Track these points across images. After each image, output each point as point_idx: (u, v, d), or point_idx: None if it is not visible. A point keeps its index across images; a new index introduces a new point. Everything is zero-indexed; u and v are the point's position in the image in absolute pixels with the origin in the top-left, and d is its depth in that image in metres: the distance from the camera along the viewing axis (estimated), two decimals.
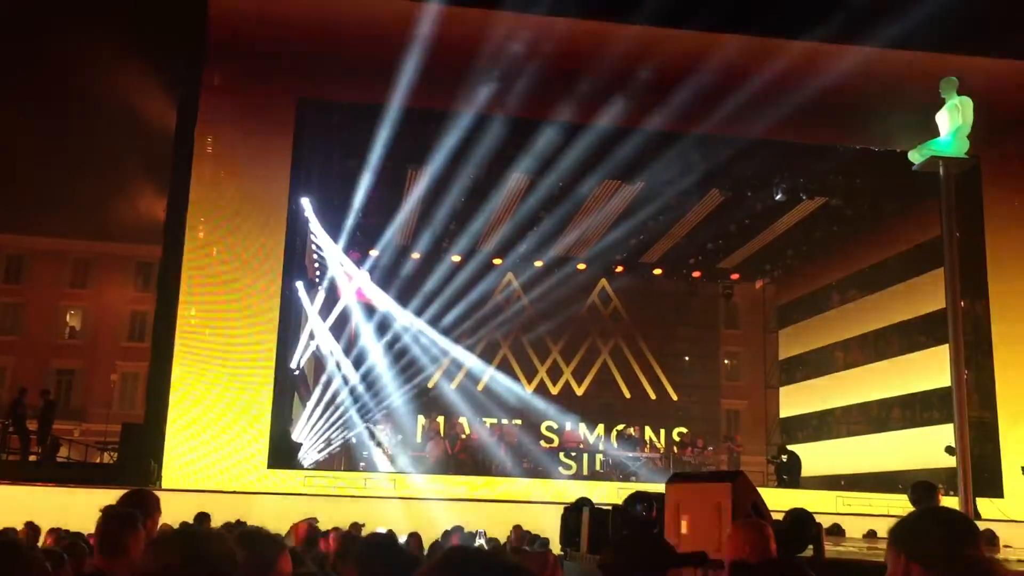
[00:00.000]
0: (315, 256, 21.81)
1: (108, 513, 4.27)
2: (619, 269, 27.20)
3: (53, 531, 9.49)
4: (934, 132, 12.16)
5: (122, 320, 41.13)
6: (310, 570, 5.26)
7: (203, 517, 11.20)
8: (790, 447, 22.64)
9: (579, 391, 27.51)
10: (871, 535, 12.42)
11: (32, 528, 9.97)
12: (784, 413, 27.69)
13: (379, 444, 21.84)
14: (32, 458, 19.45)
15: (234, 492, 16.12)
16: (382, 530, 11.21)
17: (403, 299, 22.82)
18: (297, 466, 18.42)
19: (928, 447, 20.06)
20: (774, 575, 3.24)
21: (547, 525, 11.46)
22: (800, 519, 5.45)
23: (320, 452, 20.39)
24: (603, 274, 27.70)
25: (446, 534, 13.03)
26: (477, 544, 12.37)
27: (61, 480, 16.69)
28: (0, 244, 40.43)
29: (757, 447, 28.11)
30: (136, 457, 16.98)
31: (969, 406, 14.65)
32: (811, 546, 5.45)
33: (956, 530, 2.38)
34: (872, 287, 23.26)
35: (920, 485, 7.06)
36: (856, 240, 23.23)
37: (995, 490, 18.16)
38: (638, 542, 3.58)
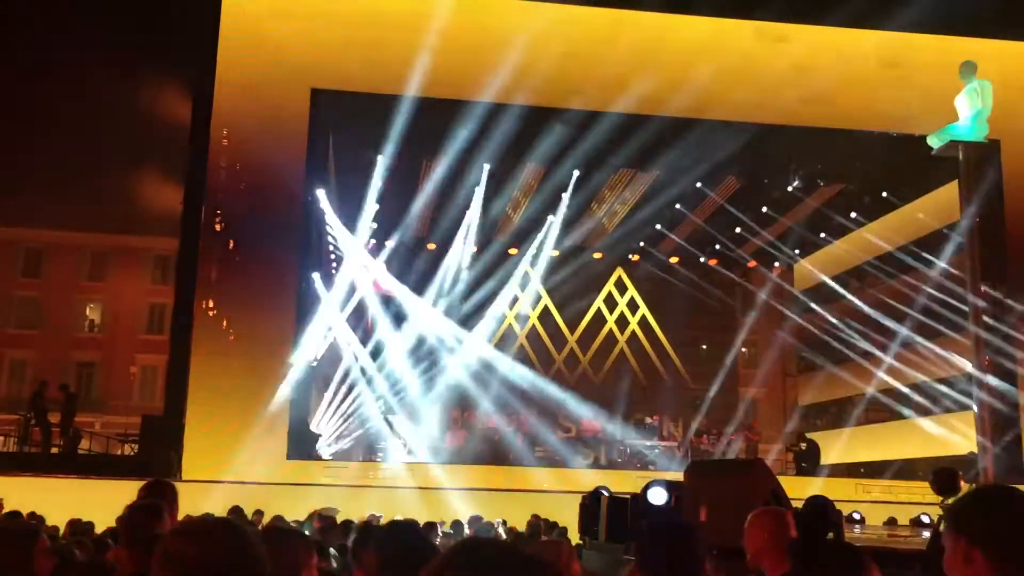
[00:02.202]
0: (331, 247, 21.85)
1: (133, 504, 4.31)
2: (635, 258, 27.14)
3: (72, 523, 9.57)
4: (953, 116, 12.03)
5: (140, 313, 41.41)
6: (330, 564, 5.29)
7: (236, 510, 11.25)
8: (809, 435, 22.56)
9: (596, 380, 27.48)
10: (891, 523, 12.39)
11: (34, 518, 10.06)
12: (803, 401, 27.59)
13: (397, 435, 21.89)
14: (54, 450, 19.63)
15: (254, 483, 16.19)
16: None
17: (420, 289, 22.83)
18: (316, 457, 18.49)
19: (949, 434, 19.96)
20: (831, 556, 3.19)
21: (565, 514, 11.46)
22: (820, 507, 5.42)
23: (338, 443, 20.47)
24: (619, 263, 27.64)
25: (457, 524, 13.06)
26: (496, 534, 12.39)
27: (83, 472, 16.84)
28: (19, 238, 40.74)
29: (776, 435, 28.01)
30: (157, 449, 17.09)
31: (990, 391, 14.56)
32: (831, 534, 5.43)
33: (1020, 511, 2.18)
34: (891, 273, 23.09)
35: (942, 472, 7.01)
36: (874, 226, 23.05)
37: (1017, 477, 18.03)
38: (673, 532, 3.57)
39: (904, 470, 20.87)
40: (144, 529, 4.06)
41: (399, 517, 11.83)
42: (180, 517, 4.86)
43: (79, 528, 9.14)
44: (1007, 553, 2.11)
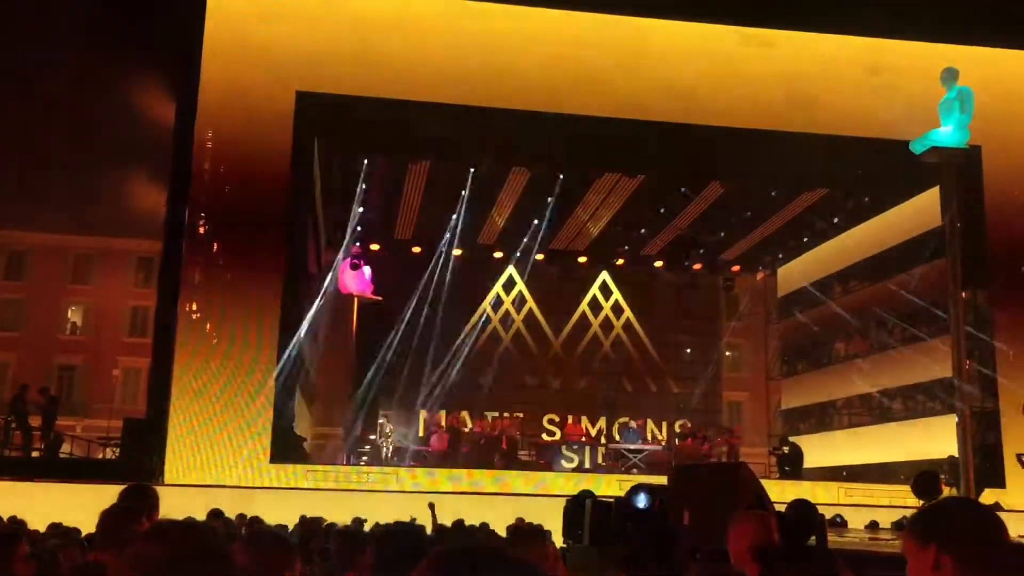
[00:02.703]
0: (316, 250, 21.81)
1: (109, 508, 4.28)
2: (620, 262, 27.20)
3: (52, 526, 9.48)
4: (936, 122, 12.13)
5: (123, 315, 41.15)
6: (314, 568, 5.27)
7: (216, 513, 11.19)
8: (792, 438, 22.64)
9: (581, 384, 27.50)
10: (873, 526, 12.44)
11: (15, 522, 9.98)
12: (786, 404, 27.69)
13: (381, 438, 21.85)
14: (35, 454, 19.48)
15: (237, 487, 16.13)
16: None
17: (405, 293, 22.80)
18: (300, 460, 18.42)
19: (929, 438, 20.08)
20: (798, 560, 3.24)
21: (549, 518, 11.46)
22: (803, 509, 5.43)
23: (322, 446, 20.41)
24: (604, 267, 27.70)
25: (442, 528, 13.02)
26: (479, 537, 12.38)
27: (64, 476, 16.72)
28: (1, 240, 40.45)
29: (759, 439, 28.12)
30: (139, 452, 17.00)
31: (971, 396, 14.66)
32: (814, 537, 5.45)
33: (989, 520, 2.24)
34: (874, 278, 23.22)
35: (924, 475, 7.06)
36: (857, 231, 23.18)
37: (997, 481, 18.17)
38: (658, 536, 3.58)
39: (886, 474, 20.98)
40: (120, 532, 4.04)
41: (380, 521, 11.80)
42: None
43: (61, 532, 9.05)
44: (975, 558, 2.16)
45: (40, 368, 37.50)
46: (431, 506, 13.10)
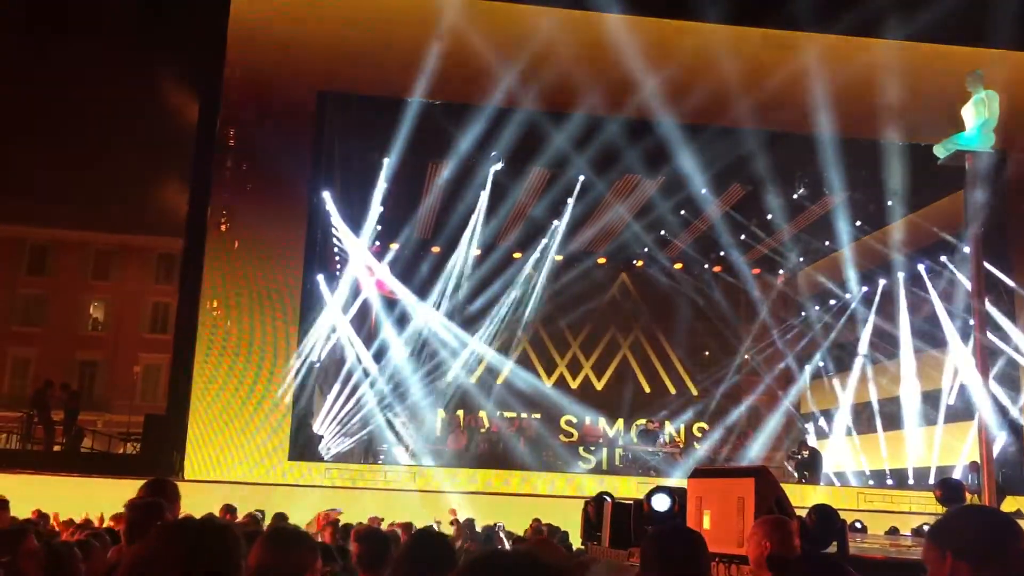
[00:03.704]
0: (336, 249, 21.87)
1: (134, 503, 4.30)
2: (639, 263, 27.13)
3: (69, 522, 9.55)
4: (959, 126, 11.99)
5: (144, 312, 41.46)
6: (338, 566, 5.29)
7: (230, 509, 11.26)
8: (811, 443, 22.50)
9: (599, 385, 27.45)
10: (893, 532, 12.35)
11: (42, 517, 10.08)
12: (807, 408, 27.53)
13: (399, 437, 21.89)
14: (56, 448, 19.66)
15: (255, 484, 16.20)
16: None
17: (423, 292, 22.84)
18: (318, 458, 18.49)
19: (950, 444, 19.94)
20: (811, 568, 3.23)
21: (566, 518, 11.46)
22: (824, 515, 5.41)
23: (340, 445, 20.47)
24: (623, 268, 27.63)
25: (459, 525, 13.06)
26: (496, 537, 12.39)
27: (85, 470, 16.87)
28: (23, 236, 40.82)
29: (778, 442, 27.92)
30: (159, 448, 17.13)
31: (993, 402, 14.51)
32: (835, 542, 5.42)
33: (1003, 527, 2.29)
34: (895, 281, 23.05)
35: (947, 482, 7.00)
36: (879, 234, 23.01)
37: (1019, 488, 17.98)
38: (678, 538, 3.57)
39: (905, 479, 20.84)
40: (144, 526, 4.06)
41: (395, 521, 11.84)
42: (181, 516, 4.85)
43: (82, 526, 9.12)
44: (990, 564, 2.20)
45: (62, 363, 37.86)
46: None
